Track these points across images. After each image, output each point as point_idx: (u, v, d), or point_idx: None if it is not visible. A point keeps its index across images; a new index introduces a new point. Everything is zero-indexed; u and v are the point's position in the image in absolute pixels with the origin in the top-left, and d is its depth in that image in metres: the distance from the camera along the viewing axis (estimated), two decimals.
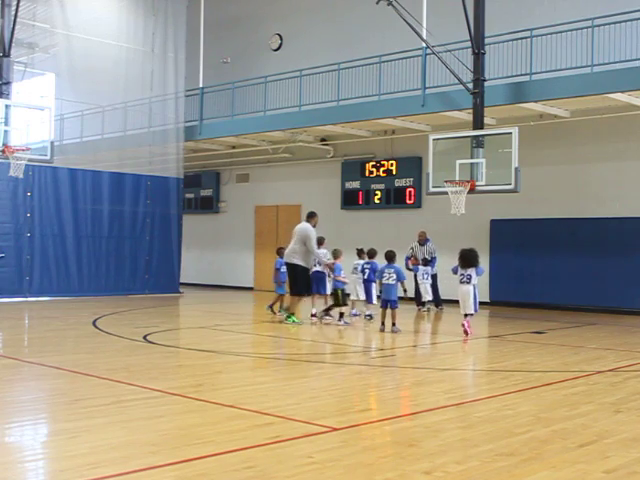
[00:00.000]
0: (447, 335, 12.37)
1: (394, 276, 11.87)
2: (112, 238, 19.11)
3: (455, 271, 11.65)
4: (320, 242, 13.96)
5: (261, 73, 20.80)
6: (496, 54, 15.37)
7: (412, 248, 16.04)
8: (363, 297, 13.24)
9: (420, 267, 15.60)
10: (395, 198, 19.51)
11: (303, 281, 12.91)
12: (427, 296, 15.62)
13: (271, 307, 14.48)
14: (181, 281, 20.82)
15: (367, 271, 13.15)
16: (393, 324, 11.74)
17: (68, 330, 12.15)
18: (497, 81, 15.20)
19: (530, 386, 7.35)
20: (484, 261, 17.54)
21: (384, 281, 11.97)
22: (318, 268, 13.58)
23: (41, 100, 22.23)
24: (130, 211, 19.50)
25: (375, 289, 13.14)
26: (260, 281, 22.87)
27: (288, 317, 12.95)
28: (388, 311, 11.92)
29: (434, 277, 15.97)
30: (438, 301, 16.05)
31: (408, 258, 15.77)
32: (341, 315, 12.88)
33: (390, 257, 12.15)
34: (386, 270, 11.99)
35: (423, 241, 16.03)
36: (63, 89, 21.15)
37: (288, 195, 22.12)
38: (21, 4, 17.35)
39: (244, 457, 4.64)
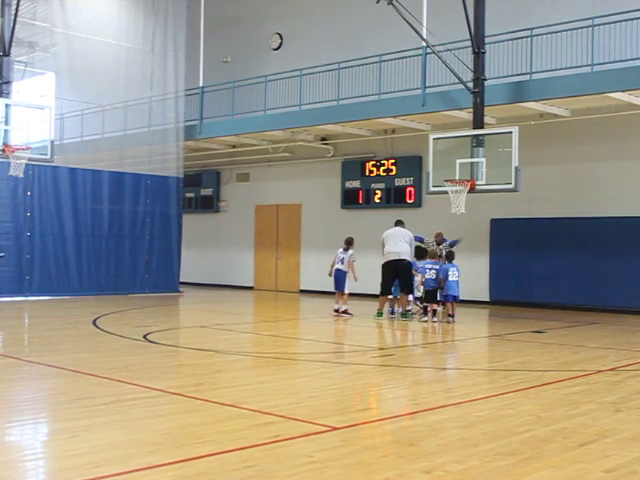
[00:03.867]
0: (448, 334, 12.36)
1: (457, 273, 13.43)
2: (112, 237, 19.11)
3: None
4: (350, 243, 14.21)
5: (261, 72, 20.79)
6: (496, 53, 15.37)
7: None
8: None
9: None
10: (395, 197, 19.50)
11: (412, 280, 13.91)
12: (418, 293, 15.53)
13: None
14: (181, 280, 20.83)
15: None
16: (452, 315, 13.33)
17: (68, 329, 12.15)
18: (497, 80, 15.20)
19: (530, 385, 7.35)
20: (484, 260, 17.69)
21: (449, 278, 13.32)
22: (339, 267, 14.23)
23: (41, 99, 22.19)
24: (130, 210, 19.50)
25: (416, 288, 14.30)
26: (260, 280, 22.88)
27: (404, 315, 13.65)
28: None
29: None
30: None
31: None
32: (433, 312, 13.54)
33: (451, 257, 13.70)
34: (450, 268, 13.41)
35: (440, 241, 15.99)
36: (63, 88, 21.12)
37: (288, 194, 22.12)
38: (21, 3, 17.34)
39: (244, 456, 4.64)
